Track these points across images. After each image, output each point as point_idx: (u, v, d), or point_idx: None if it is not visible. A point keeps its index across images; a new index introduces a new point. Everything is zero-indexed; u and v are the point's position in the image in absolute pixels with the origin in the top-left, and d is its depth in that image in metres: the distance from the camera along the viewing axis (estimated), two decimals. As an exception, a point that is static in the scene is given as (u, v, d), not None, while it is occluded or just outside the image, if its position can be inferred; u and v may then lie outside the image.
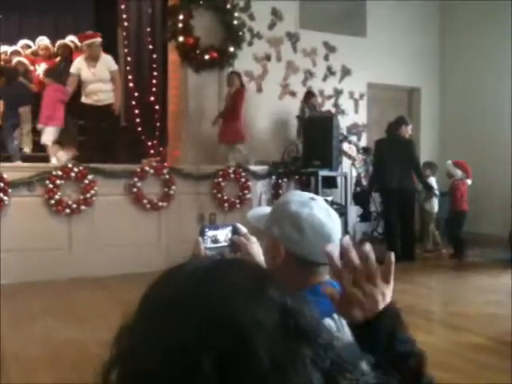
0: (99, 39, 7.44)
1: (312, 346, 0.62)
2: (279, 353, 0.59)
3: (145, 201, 6.69)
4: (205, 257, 0.78)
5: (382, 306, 0.92)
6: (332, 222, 1.45)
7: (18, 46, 8.97)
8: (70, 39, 9.18)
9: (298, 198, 1.47)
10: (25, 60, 8.30)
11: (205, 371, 0.57)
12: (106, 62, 7.41)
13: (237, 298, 0.62)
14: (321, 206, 1.46)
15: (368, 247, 0.92)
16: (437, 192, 7.80)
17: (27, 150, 7.98)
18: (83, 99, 7.41)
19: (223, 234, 1.36)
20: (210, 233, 1.37)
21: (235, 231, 1.36)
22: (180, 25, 7.58)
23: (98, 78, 7.33)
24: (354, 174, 8.22)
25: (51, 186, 6.21)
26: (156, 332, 0.62)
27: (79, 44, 9.29)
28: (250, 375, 0.57)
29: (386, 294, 0.92)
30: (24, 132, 8.00)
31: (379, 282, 0.91)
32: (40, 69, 8.65)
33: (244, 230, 1.36)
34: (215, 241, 1.36)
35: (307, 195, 1.50)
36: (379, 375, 0.73)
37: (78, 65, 7.40)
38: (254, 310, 0.61)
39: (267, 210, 1.56)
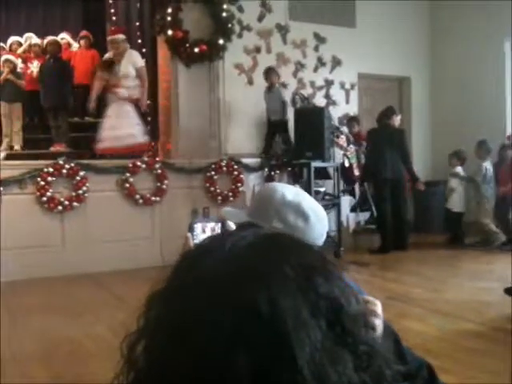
0: (120, 36, 7.35)
1: (355, 352, 0.55)
2: (321, 361, 0.52)
3: (137, 196, 6.68)
4: (245, 229, 0.64)
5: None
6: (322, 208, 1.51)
7: (8, 44, 8.91)
8: (62, 37, 9.14)
9: (288, 189, 1.49)
10: (12, 57, 8.24)
11: (237, 368, 0.51)
12: (131, 58, 7.29)
13: (280, 287, 0.54)
14: (307, 194, 1.51)
15: None
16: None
17: (17, 147, 7.94)
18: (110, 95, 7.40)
19: (210, 228, 1.36)
20: (198, 228, 1.37)
21: (224, 228, 1.36)
22: (169, 18, 7.54)
23: (122, 73, 7.22)
24: (347, 164, 8.22)
25: (43, 183, 6.19)
26: (183, 313, 0.55)
27: (71, 41, 9.26)
28: (288, 381, 0.51)
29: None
30: (15, 130, 7.97)
31: None
32: (33, 66, 8.60)
33: (233, 226, 1.36)
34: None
35: (289, 185, 1.54)
36: None
37: (105, 60, 7.43)
38: (299, 306, 0.53)
39: (238, 210, 1.56)
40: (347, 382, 0.53)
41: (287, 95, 8.37)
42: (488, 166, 7.69)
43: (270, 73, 7.59)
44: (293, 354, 0.51)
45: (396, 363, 0.61)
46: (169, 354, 0.55)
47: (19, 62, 8.56)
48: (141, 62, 7.40)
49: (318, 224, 1.43)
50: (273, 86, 7.58)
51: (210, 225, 1.36)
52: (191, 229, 1.35)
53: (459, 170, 7.92)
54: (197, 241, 1.31)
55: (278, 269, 0.56)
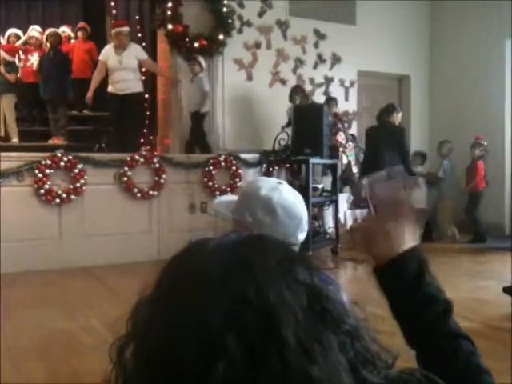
0: (126, 28, 7.39)
1: (337, 332, 0.60)
2: (306, 337, 0.56)
3: (135, 190, 6.67)
4: (227, 234, 0.70)
5: (409, 245, 0.89)
6: (301, 204, 1.49)
7: (6, 36, 8.87)
8: (63, 30, 9.10)
9: (267, 184, 1.49)
10: (4, 54, 8.21)
11: (231, 352, 0.54)
12: (134, 51, 7.32)
13: (265, 276, 0.59)
14: (289, 189, 1.50)
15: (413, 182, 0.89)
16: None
17: (15, 140, 7.92)
18: (109, 88, 7.41)
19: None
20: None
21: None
22: (169, 13, 7.51)
23: (123, 66, 7.25)
24: (345, 161, 8.22)
25: (40, 175, 6.17)
26: (177, 307, 0.59)
27: (72, 34, 9.23)
28: (278, 358, 0.55)
29: (414, 234, 0.90)
30: (8, 121, 7.92)
31: (406, 220, 0.89)
32: (33, 59, 8.57)
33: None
34: None
35: (274, 180, 1.54)
36: (404, 371, 0.70)
37: (106, 52, 7.41)
38: (283, 291, 0.58)
39: (233, 197, 1.57)
40: (332, 356, 0.58)
41: (286, 92, 8.36)
42: (448, 164, 8.18)
43: (192, 63, 7.41)
44: (279, 332, 0.56)
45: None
46: (162, 348, 0.57)
47: (20, 53, 8.56)
48: (144, 56, 7.42)
49: (289, 221, 1.42)
50: (195, 75, 7.41)
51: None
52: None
53: (421, 169, 8.33)
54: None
55: (262, 261, 0.61)
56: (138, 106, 7.44)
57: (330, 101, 8.33)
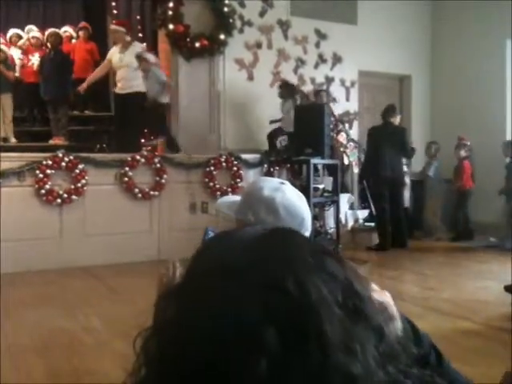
0: (119, 27, 7.42)
1: (368, 328, 0.58)
2: (345, 334, 0.55)
3: (136, 190, 6.67)
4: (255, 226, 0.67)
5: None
6: (303, 204, 1.50)
7: (8, 36, 8.87)
8: (65, 29, 9.09)
9: (270, 184, 1.50)
10: (5, 48, 8.21)
11: (268, 346, 0.52)
12: (136, 49, 7.30)
13: (303, 269, 0.57)
14: (291, 189, 1.51)
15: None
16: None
17: (13, 140, 7.90)
18: (115, 87, 7.50)
19: None
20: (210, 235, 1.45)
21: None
22: (170, 12, 7.51)
23: (124, 64, 7.29)
24: (346, 162, 8.22)
25: (41, 175, 6.17)
26: (208, 299, 0.56)
27: (74, 34, 9.23)
28: (319, 355, 0.53)
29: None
30: (6, 121, 7.91)
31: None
32: (34, 59, 8.56)
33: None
34: None
35: (277, 180, 1.55)
36: (424, 370, 0.69)
37: (112, 51, 7.51)
38: (320, 285, 0.56)
39: (236, 198, 1.58)
40: (369, 353, 0.56)
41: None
42: (437, 164, 8.50)
43: (141, 60, 7.24)
44: (320, 328, 0.54)
45: (412, 344, 0.67)
46: (194, 339, 0.55)
47: (18, 53, 8.54)
48: (145, 54, 7.38)
49: (291, 221, 1.42)
50: (147, 71, 7.22)
51: None
52: (205, 235, 1.43)
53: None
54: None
55: (298, 253, 0.60)
56: (138, 106, 7.39)
57: (320, 92, 8.30)
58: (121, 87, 7.34)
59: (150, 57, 7.26)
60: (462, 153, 8.23)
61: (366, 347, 0.56)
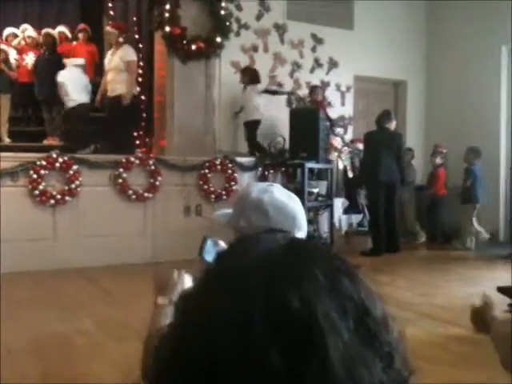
0: (112, 30, 7.55)
1: (378, 353, 0.56)
2: (352, 358, 0.53)
3: (130, 192, 6.66)
4: (274, 236, 0.65)
5: None
6: (294, 202, 1.49)
7: (4, 35, 8.85)
8: (60, 30, 9.06)
9: (257, 187, 1.51)
10: (5, 47, 8.20)
11: (271, 367, 0.51)
12: (122, 51, 7.40)
13: (312, 289, 0.55)
14: (280, 189, 1.51)
15: None
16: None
17: (7, 140, 7.87)
18: None
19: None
20: (209, 245, 1.48)
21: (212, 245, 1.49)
22: (167, 14, 7.51)
23: (111, 67, 7.44)
24: (341, 166, 8.25)
25: (35, 176, 6.15)
26: (216, 313, 0.55)
27: (69, 35, 9.20)
28: (321, 380, 0.51)
29: None
30: (2, 121, 7.89)
31: None
32: (28, 58, 8.54)
33: (223, 245, 1.45)
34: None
35: (265, 183, 1.55)
36: None
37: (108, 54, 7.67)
38: (329, 307, 0.55)
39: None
40: (376, 379, 0.54)
41: (283, 95, 8.39)
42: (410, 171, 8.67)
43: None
44: (325, 352, 0.52)
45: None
46: (194, 348, 0.54)
47: (14, 53, 8.51)
48: (130, 57, 7.45)
49: (283, 220, 1.42)
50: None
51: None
52: (204, 243, 1.44)
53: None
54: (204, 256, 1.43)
55: (308, 269, 0.57)
56: (117, 109, 7.40)
57: (316, 88, 8.28)
58: (109, 89, 7.49)
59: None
60: (438, 160, 8.42)
61: (373, 373, 0.54)
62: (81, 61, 8.01)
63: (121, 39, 7.45)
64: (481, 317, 1.71)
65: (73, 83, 7.56)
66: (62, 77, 7.62)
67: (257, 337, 0.52)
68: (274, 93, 7.89)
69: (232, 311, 0.54)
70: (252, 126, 7.63)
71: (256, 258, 0.59)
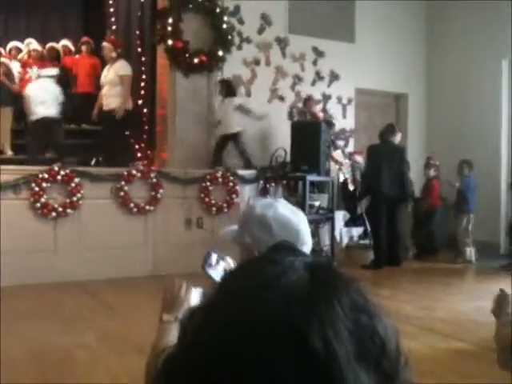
0: (108, 44, 7.70)
1: (377, 374, 0.56)
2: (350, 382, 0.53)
3: (131, 204, 6.66)
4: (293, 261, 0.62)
5: None
6: (298, 218, 1.50)
7: (7, 48, 8.90)
8: (64, 43, 9.13)
9: (262, 202, 1.52)
10: (7, 60, 8.25)
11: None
12: (117, 66, 7.53)
13: (332, 329, 0.54)
14: (284, 205, 1.51)
15: None
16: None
17: (10, 152, 7.89)
18: None
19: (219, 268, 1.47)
20: (213, 258, 1.47)
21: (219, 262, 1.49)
22: (169, 28, 7.56)
23: (106, 81, 7.61)
24: (341, 179, 8.25)
25: (37, 188, 6.16)
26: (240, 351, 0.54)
27: (72, 48, 9.27)
28: None
29: None
30: (3, 133, 7.91)
31: None
32: (32, 72, 8.58)
33: (231, 263, 1.48)
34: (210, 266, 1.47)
35: (270, 199, 1.56)
36: None
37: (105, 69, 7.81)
38: (349, 349, 0.54)
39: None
40: None
41: (285, 108, 8.43)
42: None
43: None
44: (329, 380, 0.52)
45: None
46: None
47: (17, 66, 8.55)
48: (124, 71, 7.54)
49: (286, 235, 1.41)
50: None
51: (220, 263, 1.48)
52: (208, 257, 1.44)
53: None
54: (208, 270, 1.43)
55: (332, 309, 0.56)
56: (110, 123, 7.52)
57: (310, 100, 8.28)
58: (104, 103, 7.63)
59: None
60: (431, 172, 8.44)
61: None
62: (54, 71, 8.10)
63: (114, 54, 7.57)
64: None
65: (41, 95, 7.57)
66: (28, 90, 7.71)
67: (280, 373, 0.52)
68: (246, 112, 7.78)
69: (252, 351, 0.53)
70: (235, 140, 7.59)
71: (276, 288, 0.57)
